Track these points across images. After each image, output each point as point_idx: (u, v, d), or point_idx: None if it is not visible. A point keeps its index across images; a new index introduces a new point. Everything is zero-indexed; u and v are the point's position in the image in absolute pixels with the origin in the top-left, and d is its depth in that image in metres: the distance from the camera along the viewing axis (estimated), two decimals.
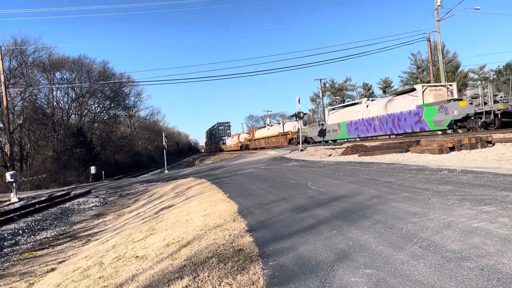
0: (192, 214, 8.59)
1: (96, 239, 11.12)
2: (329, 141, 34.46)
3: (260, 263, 4.24)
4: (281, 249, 4.55)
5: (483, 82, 61.79)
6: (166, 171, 40.93)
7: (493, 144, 13.27)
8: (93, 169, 40.43)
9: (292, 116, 31.71)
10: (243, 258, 4.53)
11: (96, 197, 23.43)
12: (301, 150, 25.44)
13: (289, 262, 4.07)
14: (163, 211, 11.30)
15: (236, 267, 4.27)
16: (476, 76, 63.28)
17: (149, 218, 10.91)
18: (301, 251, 4.35)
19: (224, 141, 78.57)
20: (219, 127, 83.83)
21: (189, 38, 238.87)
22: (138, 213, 13.39)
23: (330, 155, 20.29)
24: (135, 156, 74.03)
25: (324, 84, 69.57)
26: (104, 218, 15.84)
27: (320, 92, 63.64)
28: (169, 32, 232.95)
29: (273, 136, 48.58)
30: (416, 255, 3.70)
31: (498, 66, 60.70)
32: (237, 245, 5.14)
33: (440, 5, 35.39)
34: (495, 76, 59.73)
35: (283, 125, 49.13)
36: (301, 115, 27.19)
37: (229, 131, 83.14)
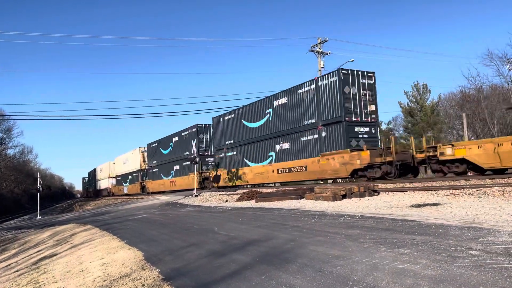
0: (86, 263, 7.53)
1: None
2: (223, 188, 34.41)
3: None
4: None
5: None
6: (38, 217, 36.27)
7: (378, 193, 14.54)
8: None
9: (186, 161, 31.18)
10: None
11: None
12: (196, 196, 24.87)
13: None
14: (45, 260, 9.74)
15: None
16: None
17: (26, 269, 9.27)
18: None
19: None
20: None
21: (69, 73, 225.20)
22: (9, 264, 11.36)
23: (226, 201, 20.13)
24: None
25: None
26: None
27: None
28: (45, 65, 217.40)
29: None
30: None
31: None
32: None
33: (323, 67, 39.88)
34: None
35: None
36: (196, 160, 26.87)
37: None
